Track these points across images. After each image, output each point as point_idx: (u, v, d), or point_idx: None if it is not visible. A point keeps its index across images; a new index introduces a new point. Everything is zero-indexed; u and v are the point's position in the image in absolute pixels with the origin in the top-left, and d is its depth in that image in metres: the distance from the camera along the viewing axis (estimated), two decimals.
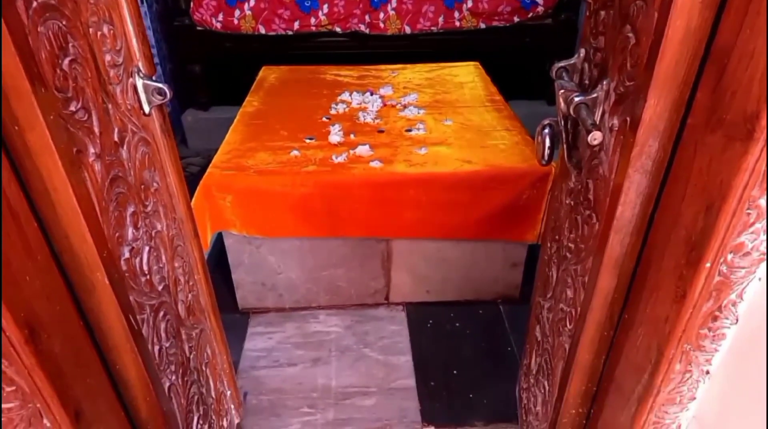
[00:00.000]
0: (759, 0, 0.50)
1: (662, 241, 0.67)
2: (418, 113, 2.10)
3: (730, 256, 0.57)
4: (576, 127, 0.89)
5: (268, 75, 2.50)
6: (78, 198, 0.62)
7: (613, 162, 0.75)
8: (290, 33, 2.85)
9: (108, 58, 0.75)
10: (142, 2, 2.88)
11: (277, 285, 1.91)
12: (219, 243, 1.87)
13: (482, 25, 2.91)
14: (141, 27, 0.85)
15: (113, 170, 0.74)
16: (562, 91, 0.84)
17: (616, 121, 0.74)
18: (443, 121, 2.04)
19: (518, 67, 3.13)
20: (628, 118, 0.70)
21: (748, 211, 0.54)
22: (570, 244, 0.96)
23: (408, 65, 2.65)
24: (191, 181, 2.74)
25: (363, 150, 1.78)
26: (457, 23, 2.89)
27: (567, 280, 0.98)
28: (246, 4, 2.80)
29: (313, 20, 2.82)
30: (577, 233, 0.91)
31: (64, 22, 0.62)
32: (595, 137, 0.71)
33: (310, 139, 1.89)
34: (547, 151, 0.96)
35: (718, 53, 0.55)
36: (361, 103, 2.19)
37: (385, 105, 2.18)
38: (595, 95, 0.79)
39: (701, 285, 0.60)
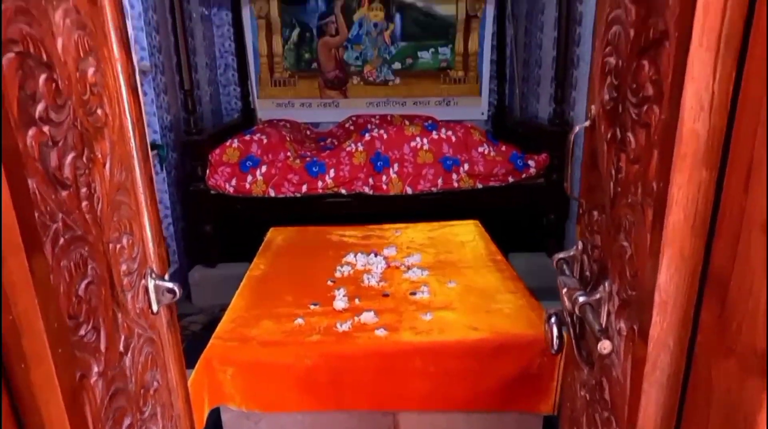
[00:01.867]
0: (748, 232, 0.52)
1: None
2: (422, 275, 2.13)
3: None
4: (582, 321, 0.88)
5: (276, 237, 2.59)
6: (74, 427, 0.60)
7: (626, 368, 0.73)
8: (298, 195, 3.02)
9: (124, 267, 0.78)
10: (161, 169, 3.11)
11: None
12: (214, 415, 1.76)
13: (479, 185, 3.09)
14: (159, 231, 0.89)
15: (114, 384, 0.72)
16: (565, 289, 0.85)
17: (623, 326, 0.74)
18: (447, 283, 2.05)
19: (517, 222, 3.25)
20: (636, 327, 0.70)
21: None
22: None
23: (410, 224, 2.76)
24: (192, 340, 2.68)
25: (368, 317, 1.77)
26: (455, 184, 3.08)
27: None
28: (258, 170, 3.01)
29: (320, 184, 3.01)
30: None
31: (86, 249, 0.66)
32: (605, 346, 0.70)
33: (315, 305, 1.89)
34: (556, 341, 0.94)
35: (715, 280, 0.57)
36: (365, 265, 2.23)
37: (389, 266, 2.22)
38: (598, 296, 0.80)
39: None
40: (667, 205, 0.59)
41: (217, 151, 3.07)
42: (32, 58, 0.56)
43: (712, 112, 0.55)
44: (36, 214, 0.55)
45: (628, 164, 0.72)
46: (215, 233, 3.15)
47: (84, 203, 0.66)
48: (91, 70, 0.70)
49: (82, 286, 0.64)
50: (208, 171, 3.04)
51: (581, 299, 0.80)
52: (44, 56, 0.58)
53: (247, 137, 3.24)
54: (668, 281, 0.61)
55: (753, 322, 0.51)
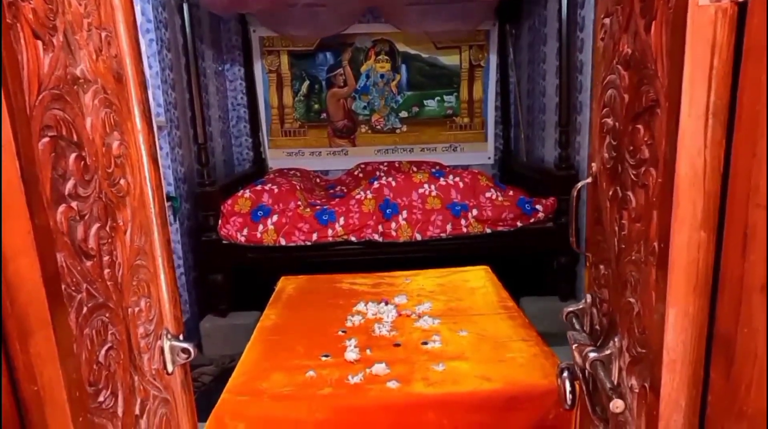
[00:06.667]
0: (749, 295, 0.54)
1: None
2: (433, 323, 2.11)
3: None
4: (595, 377, 0.88)
5: (287, 286, 2.60)
6: None
7: (639, 426, 0.72)
8: (309, 243, 3.05)
9: (141, 330, 0.80)
10: (174, 220, 3.17)
11: None
12: None
13: (488, 230, 3.11)
14: (175, 292, 0.92)
15: None
16: (576, 344, 0.86)
17: (635, 382, 0.74)
18: (458, 331, 2.04)
19: (527, 267, 3.24)
20: (647, 385, 0.70)
21: None
22: None
23: (420, 271, 2.76)
24: (203, 392, 2.65)
25: (379, 369, 1.75)
26: (464, 229, 3.09)
27: None
28: (269, 219, 3.06)
29: (330, 232, 3.04)
30: None
31: (107, 315, 0.68)
32: (617, 406, 0.70)
33: (326, 356, 1.88)
34: (569, 396, 0.94)
35: (721, 341, 0.58)
36: (376, 314, 2.22)
37: (400, 315, 2.21)
38: (609, 352, 0.80)
39: None
40: (669, 265, 0.61)
41: (229, 201, 3.13)
42: (64, 139, 0.60)
43: (706, 177, 0.57)
44: (63, 287, 0.58)
45: (630, 222, 0.74)
46: (226, 282, 3.17)
47: (106, 271, 0.69)
48: (115, 144, 0.75)
49: (103, 352, 0.66)
50: (220, 221, 3.09)
51: (592, 355, 0.80)
52: (74, 136, 0.63)
53: (258, 187, 3.31)
54: (675, 340, 0.62)
55: (760, 387, 0.51)
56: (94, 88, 0.69)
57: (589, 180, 0.92)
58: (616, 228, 0.80)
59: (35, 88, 0.55)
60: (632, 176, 0.72)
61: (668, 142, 0.60)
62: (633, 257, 0.73)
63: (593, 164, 0.91)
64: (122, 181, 0.76)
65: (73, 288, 0.60)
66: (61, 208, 0.59)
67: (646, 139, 0.67)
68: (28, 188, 0.52)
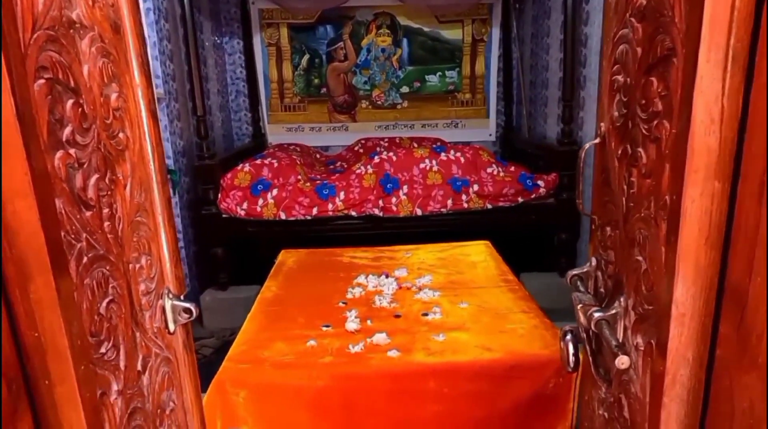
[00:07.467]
0: (763, 244, 0.53)
1: None
2: (434, 296, 2.12)
3: None
4: (599, 338, 0.88)
5: (287, 259, 2.60)
6: None
7: (644, 384, 0.72)
8: (309, 218, 3.04)
9: (142, 287, 0.80)
10: (174, 193, 3.15)
11: None
12: None
13: (489, 206, 3.10)
14: (176, 252, 0.91)
15: (133, 403, 0.72)
16: (581, 305, 0.85)
17: (640, 340, 0.74)
18: (459, 303, 2.04)
19: (527, 243, 3.24)
20: (653, 341, 0.69)
21: None
22: None
23: (421, 245, 2.75)
24: (203, 364, 2.67)
25: (380, 338, 1.76)
26: (465, 205, 3.08)
27: None
28: (269, 193, 3.05)
29: (330, 206, 3.03)
30: None
31: (108, 268, 0.67)
32: (623, 362, 0.70)
33: (327, 326, 1.88)
34: (572, 359, 0.94)
35: (733, 292, 0.57)
36: (376, 286, 2.22)
37: (400, 288, 2.21)
38: (614, 311, 0.79)
39: None
40: (681, 218, 0.60)
41: (229, 175, 3.11)
42: (61, 84, 0.58)
43: (723, 125, 0.56)
44: (62, 234, 0.56)
45: (640, 179, 0.73)
46: (226, 256, 3.17)
47: (106, 223, 0.68)
48: (114, 96, 0.73)
49: (104, 304, 0.66)
50: (219, 195, 3.07)
51: (597, 315, 0.80)
52: (71, 82, 0.61)
53: (258, 161, 3.28)
54: (685, 294, 0.61)
55: None
56: (90, 34, 0.67)
57: (597, 140, 0.91)
58: (625, 187, 0.78)
59: (29, 26, 0.53)
60: (643, 131, 0.71)
61: (684, 91, 0.59)
62: (642, 214, 0.72)
63: (602, 124, 0.89)
64: (121, 135, 0.75)
65: (72, 236, 0.58)
66: (59, 153, 0.57)
67: (659, 90, 0.66)
68: (25, 129, 0.50)
